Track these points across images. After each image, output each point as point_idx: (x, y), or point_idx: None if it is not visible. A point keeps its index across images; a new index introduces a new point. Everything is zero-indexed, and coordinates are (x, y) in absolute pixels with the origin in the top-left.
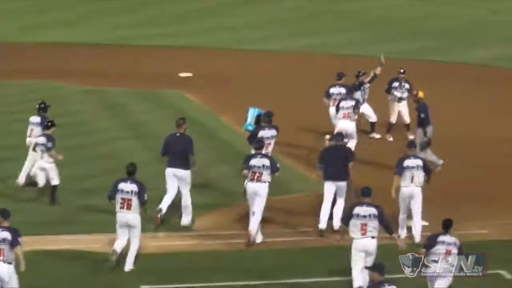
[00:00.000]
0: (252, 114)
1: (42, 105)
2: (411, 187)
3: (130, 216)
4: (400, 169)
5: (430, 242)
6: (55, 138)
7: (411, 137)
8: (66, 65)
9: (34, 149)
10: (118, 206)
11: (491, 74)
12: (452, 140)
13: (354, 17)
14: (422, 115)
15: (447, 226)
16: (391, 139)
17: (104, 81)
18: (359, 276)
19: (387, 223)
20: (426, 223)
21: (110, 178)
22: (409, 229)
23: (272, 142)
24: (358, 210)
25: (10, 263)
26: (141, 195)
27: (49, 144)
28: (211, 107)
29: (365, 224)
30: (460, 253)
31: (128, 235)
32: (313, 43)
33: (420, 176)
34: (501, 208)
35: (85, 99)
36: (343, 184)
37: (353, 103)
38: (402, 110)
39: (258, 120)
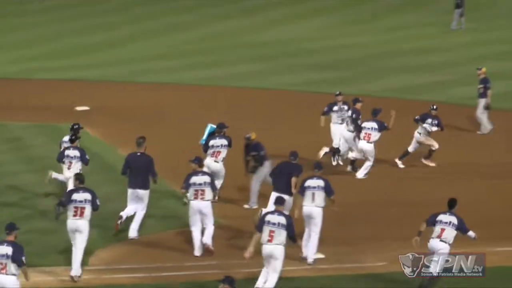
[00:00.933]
0: (207, 129)
1: (76, 126)
2: (311, 207)
3: (80, 222)
4: (302, 189)
5: (430, 219)
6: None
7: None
8: None
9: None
10: (71, 214)
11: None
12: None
13: (254, 50)
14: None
15: (450, 205)
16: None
17: (4, 115)
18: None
19: (292, 234)
20: (322, 256)
21: (9, 211)
22: None
23: (222, 150)
24: (269, 217)
25: (14, 274)
26: (94, 202)
27: (84, 156)
28: (109, 140)
29: (273, 231)
30: (459, 229)
31: (74, 241)
32: (213, 75)
33: (320, 196)
34: (398, 240)
35: None
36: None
37: (375, 125)
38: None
39: (212, 134)
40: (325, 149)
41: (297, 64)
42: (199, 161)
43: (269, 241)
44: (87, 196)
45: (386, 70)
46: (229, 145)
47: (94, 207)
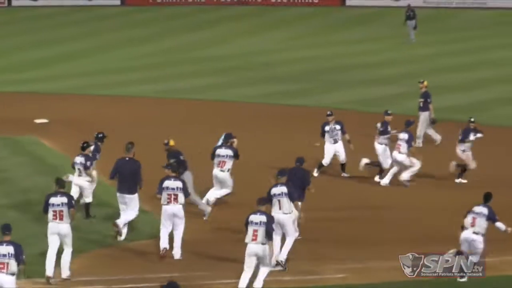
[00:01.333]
0: (221, 138)
1: (100, 135)
2: (279, 214)
3: (62, 226)
4: (268, 197)
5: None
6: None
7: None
8: None
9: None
10: (50, 217)
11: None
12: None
13: (210, 63)
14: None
15: (485, 199)
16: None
17: None
18: (245, 279)
19: (270, 232)
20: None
21: None
22: None
23: (228, 160)
24: (252, 217)
25: (13, 274)
26: (70, 204)
27: (88, 163)
28: (68, 153)
29: (256, 230)
30: (490, 218)
31: (58, 243)
32: (171, 88)
33: (285, 203)
34: (362, 250)
35: None
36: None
37: (406, 137)
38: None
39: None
40: (365, 160)
41: (255, 76)
42: (172, 167)
43: (253, 240)
44: (64, 200)
45: (343, 82)
46: (235, 156)
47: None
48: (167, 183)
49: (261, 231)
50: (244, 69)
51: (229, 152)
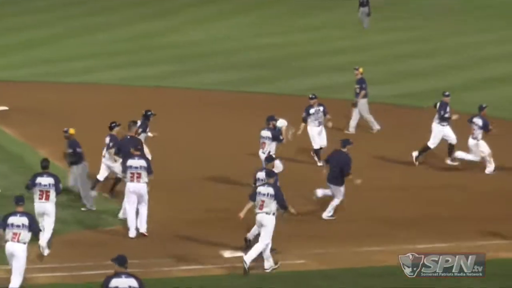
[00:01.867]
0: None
1: (149, 113)
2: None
3: (47, 206)
4: (252, 195)
5: None
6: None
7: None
8: None
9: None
10: (36, 197)
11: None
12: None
13: (169, 50)
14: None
15: None
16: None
17: None
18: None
19: (282, 201)
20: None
21: None
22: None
23: (267, 142)
24: (260, 189)
25: (24, 243)
26: (57, 186)
27: (111, 144)
28: (29, 141)
29: (263, 201)
30: None
31: (42, 223)
32: (132, 75)
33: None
34: (321, 237)
35: None
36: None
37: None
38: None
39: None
40: (415, 154)
41: (215, 63)
42: (135, 146)
43: (260, 209)
44: (51, 180)
45: (303, 69)
46: (273, 138)
47: (58, 191)
48: (130, 162)
49: (267, 202)
50: (204, 56)
51: (268, 133)
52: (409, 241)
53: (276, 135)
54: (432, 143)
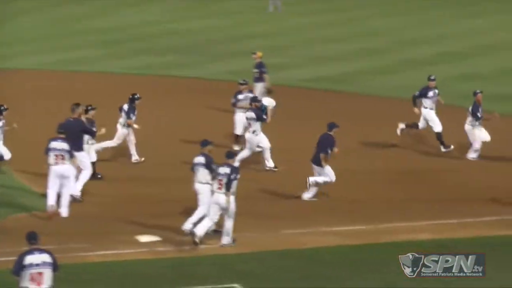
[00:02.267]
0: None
1: (136, 96)
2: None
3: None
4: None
5: None
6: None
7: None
8: None
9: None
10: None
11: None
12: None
13: (96, 35)
14: None
15: None
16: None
17: None
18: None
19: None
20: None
21: None
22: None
23: (252, 122)
24: (219, 169)
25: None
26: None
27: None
28: None
29: (221, 180)
30: None
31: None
32: (56, 60)
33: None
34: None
35: None
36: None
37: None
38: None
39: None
40: (401, 126)
41: (138, 48)
42: (63, 129)
43: (219, 189)
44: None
45: (223, 53)
46: (257, 118)
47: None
48: (53, 144)
49: (225, 181)
50: (125, 41)
51: (252, 114)
52: (331, 224)
53: (260, 115)
54: (422, 124)
